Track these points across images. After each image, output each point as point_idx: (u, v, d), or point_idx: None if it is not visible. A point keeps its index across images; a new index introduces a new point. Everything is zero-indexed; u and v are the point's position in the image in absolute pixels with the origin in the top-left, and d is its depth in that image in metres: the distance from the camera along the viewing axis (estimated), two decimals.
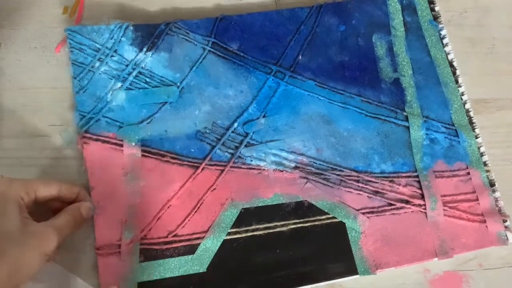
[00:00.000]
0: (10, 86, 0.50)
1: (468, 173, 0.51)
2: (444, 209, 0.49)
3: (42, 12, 0.54)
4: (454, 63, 0.55)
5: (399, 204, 0.49)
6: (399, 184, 0.50)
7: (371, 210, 0.49)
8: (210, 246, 0.46)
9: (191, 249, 0.46)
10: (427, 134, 0.52)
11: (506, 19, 0.60)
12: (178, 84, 0.51)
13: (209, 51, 0.52)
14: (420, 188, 0.50)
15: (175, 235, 0.46)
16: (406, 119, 0.52)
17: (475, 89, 0.55)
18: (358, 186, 0.49)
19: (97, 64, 0.50)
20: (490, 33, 0.59)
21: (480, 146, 0.52)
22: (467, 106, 0.53)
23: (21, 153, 0.48)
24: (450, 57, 0.55)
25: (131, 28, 0.52)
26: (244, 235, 0.47)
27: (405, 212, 0.49)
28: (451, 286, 0.48)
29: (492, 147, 0.53)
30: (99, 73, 0.50)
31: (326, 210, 0.48)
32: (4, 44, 0.52)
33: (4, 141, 0.48)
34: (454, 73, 0.55)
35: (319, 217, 0.48)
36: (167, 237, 0.46)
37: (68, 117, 0.50)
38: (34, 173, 0.47)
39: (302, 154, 0.50)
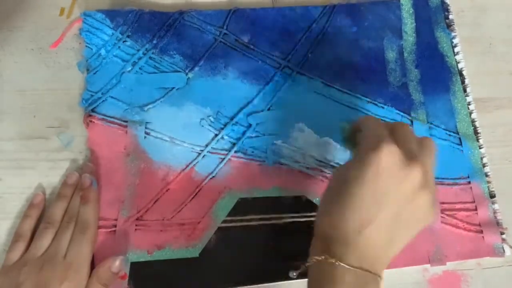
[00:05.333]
0: (7, 88, 0.51)
1: (469, 183, 0.51)
2: (441, 216, 0.49)
3: (38, 14, 0.54)
4: (464, 72, 0.55)
5: None
6: None
7: None
8: (204, 232, 0.46)
9: (185, 234, 0.46)
10: None
11: (503, 18, 0.60)
12: (187, 71, 0.52)
13: (220, 41, 0.53)
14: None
15: (171, 219, 0.46)
16: (411, 123, 0.52)
17: (472, 88, 0.54)
18: None
19: (109, 47, 0.51)
20: (487, 33, 0.59)
21: (483, 157, 0.52)
22: (473, 115, 0.53)
23: (19, 155, 0.49)
24: (460, 65, 0.55)
25: (145, 14, 0.53)
26: (239, 224, 0.47)
27: None
28: (450, 285, 0.48)
29: (490, 146, 0.53)
30: (111, 56, 0.51)
31: None
32: (1, 46, 0.53)
33: (1, 143, 0.49)
34: (463, 81, 0.55)
35: (315, 214, 0.48)
36: (163, 220, 0.46)
37: (66, 118, 0.50)
38: (31, 175, 0.48)
39: (303, 150, 0.50)
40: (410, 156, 0.36)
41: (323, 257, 0.35)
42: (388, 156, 0.35)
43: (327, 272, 0.35)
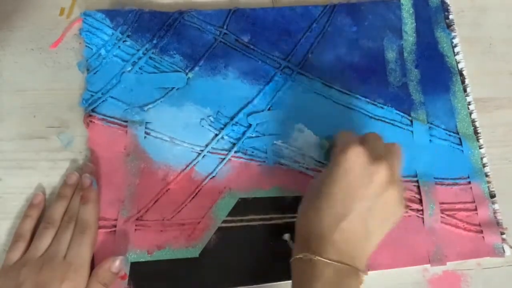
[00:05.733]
0: (7, 88, 0.51)
1: (469, 183, 0.51)
2: (441, 216, 0.49)
3: (38, 14, 0.54)
4: (464, 72, 0.55)
5: None
6: None
7: None
8: (204, 232, 0.46)
9: (185, 234, 0.46)
10: (430, 140, 0.52)
11: (503, 19, 0.60)
12: (187, 71, 0.52)
13: (220, 41, 0.53)
14: (419, 193, 0.50)
15: (171, 219, 0.46)
16: (411, 123, 0.52)
17: (472, 88, 0.54)
18: None
19: (109, 47, 0.51)
20: (487, 33, 0.59)
21: (483, 157, 0.52)
22: (474, 116, 0.53)
23: (19, 155, 0.49)
24: (460, 65, 0.55)
25: (145, 14, 0.53)
26: (239, 224, 0.47)
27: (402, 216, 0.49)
28: (450, 285, 0.48)
29: (490, 146, 0.53)
30: (111, 56, 0.51)
31: None
32: (1, 46, 0.53)
33: (1, 143, 0.49)
34: (463, 81, 0.55)
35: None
36: (163, 220, 0.46)
37: (66, 118, 0.50)
38: (31, 175, 0.48)
39: (303, 150, 0.50)
40: (376, 156, 0.39)
41: (302, 255, 0.38)
42: (355, 156, 0.39)
43: (308, 268, 0.38)
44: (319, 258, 0.37)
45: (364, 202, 0.38)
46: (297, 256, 0.39)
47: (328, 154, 0.49)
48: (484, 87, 0.56)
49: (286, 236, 0.45)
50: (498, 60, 0.58)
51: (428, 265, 0.48)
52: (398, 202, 0.40)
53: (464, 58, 0.56)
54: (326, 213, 0.39)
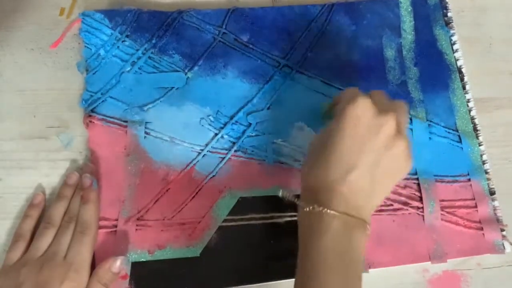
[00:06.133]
0: (7, 88, 0.51)
1: (469, 180, 0.51)
2: (441, 214, 0.49)
3: (38, 13, 0.54)
4: (463, 69, 0.55)
5: (397, 205, 0.49)
6: (398, 185, 0.50)
7: None
8: (205, 232, 0.46)
9: (186, 234, 0.46)
10: (430, 138, 0.52)
11: (503, 18, 0.60)
12: (186, 71, 0.52)
13: (219, 41, 0.53)
14: (419, 191, 0.50)
15: (171, 219, 0.46)
16: (411, 121, 0.52)
17: (472, 88, 0.55)
18: None
19: (109, 47, 0.51)
20: (487, 33, 0.59)
21: (483, 154, 0.52)
22: (473, 113, 0.53)
23: (19, 155, 0.49)
24: (459, 63, 0.55)
25: (144, 14, 0.53)
26: (239, 223, 0.47)
27: (403, 213, 0.49)
28: (450, 285, 0.48)
29: (490, 146, 0.53)
30: (110, 56, 0.51)
31: None
32: (1, 46, 0.53)
33: (1, 143, 0.49)
34: (462, 79, 0.55)
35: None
36: (163, 220, 0.46)
37: (65, 118, 0.50)
38: (31, 175, 0.48)
39: (303, 149, 0.50)
40: (384, 109, 0.39)
41: (311, 207, 0.38)
42: (363, 107, 0.39)
43: (316, 220, 0.38)
44: (327, 210, 0.37)
45: (372, 154, 0.38)
46: (305, 209, 0.38)
47: (327, 115, 0.48)
48: (484, 87, 0.56)
49: (281, 192, 0.44)
50: (498, 60, 0.58)
51: (428, 266, 0.48)
52: (405, 156, 0.40)
53: (464, 58, 0.56)
54: (333, 165, 0.38)
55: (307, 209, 0.38)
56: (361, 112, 0.39)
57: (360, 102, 0.39)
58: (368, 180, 0.38)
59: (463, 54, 0.56)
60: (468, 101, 0.54)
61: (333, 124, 0.40)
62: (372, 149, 0.38)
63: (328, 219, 0.37)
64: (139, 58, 0.52)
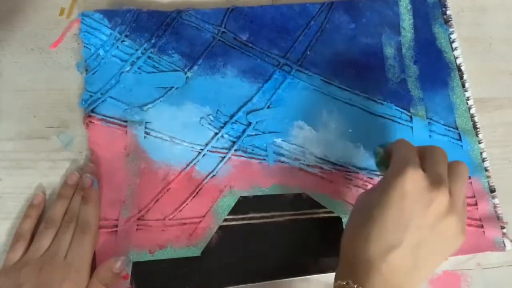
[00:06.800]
0: (7, 87, 0.51)
1: (469, 178, 0.51)
2: None
3: (38, 13, 0.54)
4: (462, 67, 0.55)
5: None
6: None
7: None
8: (206, 231, 0.46)
9: (186, 234, 0.46)
10: (430, 135, 0.52)
11: (503, 18, 0.59)
12: (186, 70, 0.52)
13: (219, 40, 0.53)
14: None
15: (172, 219, 0.46)
16: (411, 119, 0.52)
17: (472, 88, 0.54)
18: (358, 182, 0.50)
19: (108, 47, 0.51)
20: (487, 32, 0.58)
21: (482, 152, 0.52)
22: (472, 110, 0.53)
23: (19, 155, 0.48)
24: (458, 61, 0.55)
25: (143, 14, 0.53)
26: (240, 222, 0.47)
27: None
28: (450, 285, 0.48)
29: (490, 146, 0.53)
30: (109, 56, 0.51)
31: (324, 204, 0.48)
32: (1, 46, 0.52)
33: (1, 143, 0.49)
34: (461, 77, 0.55)
35: (316, 211, 0.48)
36: (164, 219, 0.46)
37: (66, 118, 0.50)
38: (31, 175, 0.48)
39: (303, 147, 0.50)
40: (437, 181, 0.36)
41: (345, 282, 0.35)
42: (412, 181, 0.35)
43: None
44: None
45: (418, 233, 0.35)
46: (340, 283, 0.36)
47: (382, 162, 0.44)
48: (484, 87, 0.56)
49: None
50: (498, 60, 0.57)
51: None
52: (456, 233, 0.36)
53: (464, 58, 0.56)
54: (375, 241, 0.35)
55: (341, 283, 0.35)
56: (410, 186, 0.35)
57: (409, 175, 0.35)
58: (411, 260, 0.35)
59: (463, 54, 0.56)
60: (468, 99, 0.54)
61: (379, 189, 0.37)
62: (418, 228, 0.35)
63: None
64: (138, 58, 0.51)
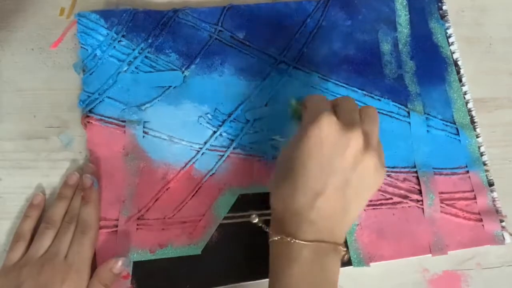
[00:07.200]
0: (7, 88, 0.51)
1: (467, 172, 0.51)
2: (441, 206, 0.49)
3: (38, 14, 0.54)
4: (459, 62, 0.55)
5: (396, 199, 0.49)
6: (398, 179, 0.50)
7: (368, 203, 0.49)
8: (206, 230, 0.46)
9: (187, 232, 0.46)
10: (428, 131, 0.52)
11: (503, 18, 0.60)
12: (183, 69, 0.52)
13: (216, 39, 0.53)
14: (419, 184, 0.50)
15: (172, 217, 0.46)
16: (408, 115, 0.52)
17: (472, 88, 0.55)
18: None
19: (105, 47, 0.51)
20: (487, 32, 0.59)
21: (480, 146, 0.52)
22: (469, 105, 0.53)
23: (19, 155, 0.49)
24: (455, 56, 0.55)
25: (139, 14, 0.53)
26: (240, 220, 0.47)
27: (402, 206, 0.49)
28: (450, 285, 0.48)
29: (490, 146, 0.53)
30: (106, 57, 0.51)
31: None
32: (1, 46, 0.53)
33: (1, 143, 0.49)
34: (458, 72, 0.55)
35: None
36: (164, 218, 0.46)
37: (66, 118, 0.50)
38: (31, 175, 0.48)
39: None
40: (350, 123, 0.37)
41: (279, 237, 0.37)
42: (327, 126, 0.36)
43: (285, 251, 0.36)
44: (296, 240, 0.36)
45: (340, 175, 0.36)
46: (274, 238, 0.37)
47: (296, 115, 0.44)
48: (484, 87, 0.56)
49: (254, 218, 0.42)
50: (498, 60, 0.57)
51: (428, 266, 0.48)
52: (376, 170, 0.38)
53: (464, 58, 0.56)
54: (300, 191, 0.36)
55: (274, 239, 0.37)
56: (325, 132, 0.36)
57: (324, 122, 0.36)
58: (338, 202, 0.37)
59: (463, 54, 0.56)
60: (465, 93, 0.54)
61: (296, 139, 0.38)
62: (339, 170, 0.36)
63: (298, 248, 0.36)
64: (135, 57, 0.52)
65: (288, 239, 0.36)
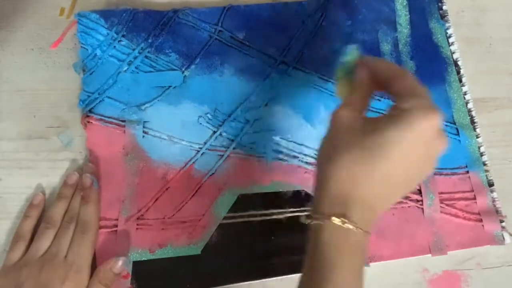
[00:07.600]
0: (7, 88, 0.51)
1: (467, 172, 0.51)
2: (441, 206, 0.49)
3: (38, 13, 0.54)
4: (459, 62, 0.55)
5: None
6: None
7: None
8: (205, 229, 0.46)
9: (186, 232, 0.46)
10: None
11: (502, 19, 0.59)
12: (183, 69, 0.52)
13: (215, 39, 0.53)
14: (418, 184, 0.50)
15: (171, 217, 0.47)
16: None
17: (472, 88, 0.55)
18: None
19: (105, 47, 0.51)
20: (487, 33, 0.58)
21: (480, 146, 0.52)
22: (469, 105, 0.53)
23: (19, 155, 0.49)
24: (455, 56, 0.55)
25: (140, 14, 0.53)
26: (240, 220, 0.47)
27: (402, 207, 0.49)
28: (450, 285, 0.48)
29: (490, 146, 0.53)
30: (106, 56, 0.51)
31: None
32: (1, 46, 0.53)
33: (1, 143, 0.49)
34: (458, 72, 0.55)
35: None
36: (164, 218, 0.46)
37: (65, 118, 0.50)
38: (31, 175, 0.48)
39: (302, 144, 0.50)
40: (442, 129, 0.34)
41: (340, 220, 0.31)
42: (438, 126, 0.33)
43: (344, 238, 0.32)
44: (360, 230, 0.31)
45: (424, 178, 0.36)
46: (334, 221, 0.31)
47: (347, 80, 0.38)
48: (484, 87, 0.56)
49: (304, 219, 0.35)
50: (498, 60, 0.57)
51: (428, 266, 0.48)
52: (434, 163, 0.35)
53: (464, 58, 0.56)
54: (383, 184, 0.32)
55: (334, 222, 0.31)
56: (434, 133, 0.32)
57: (438, 122, 0.32)
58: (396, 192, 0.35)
59: (463, 54, 0.56)
60: (465, 93, 0.54)
61: (393, 126, 0.32)
62: (426, 175, 0.35)
63: (360, 237, 0.32)
64: (135, 57, 0.52)
65: (352, 228, 0.31)
